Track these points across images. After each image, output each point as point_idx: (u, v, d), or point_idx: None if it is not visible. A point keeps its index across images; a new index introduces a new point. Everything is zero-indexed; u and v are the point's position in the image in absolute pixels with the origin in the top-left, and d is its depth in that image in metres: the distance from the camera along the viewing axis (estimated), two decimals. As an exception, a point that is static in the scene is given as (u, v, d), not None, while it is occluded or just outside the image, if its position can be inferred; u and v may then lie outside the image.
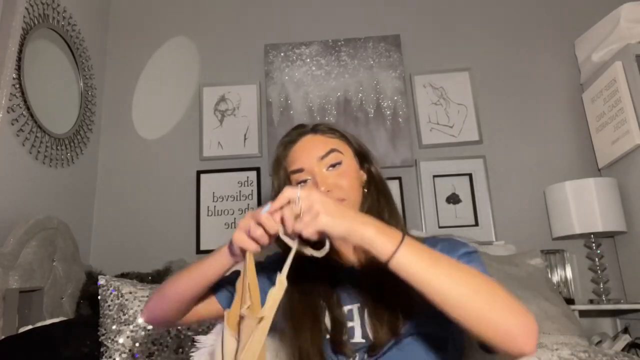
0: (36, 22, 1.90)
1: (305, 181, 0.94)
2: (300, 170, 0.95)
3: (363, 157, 1.02)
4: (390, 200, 1.00)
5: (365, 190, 1.00)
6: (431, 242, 0.91)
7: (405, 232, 0.74)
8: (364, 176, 1.01)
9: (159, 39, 2.60)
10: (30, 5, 1.86)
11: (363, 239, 0.69)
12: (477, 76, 2.47)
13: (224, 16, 2.61)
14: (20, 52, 1.77)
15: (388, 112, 2.42)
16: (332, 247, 0.99)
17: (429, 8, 2.61)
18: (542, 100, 2.43)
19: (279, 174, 1.00)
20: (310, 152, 0.95)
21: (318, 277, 0.94)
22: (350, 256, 0.98)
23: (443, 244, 0.90)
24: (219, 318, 0.95)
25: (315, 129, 1.00)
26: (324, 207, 0.70)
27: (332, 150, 0.95)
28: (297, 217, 0.71)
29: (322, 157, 0.94)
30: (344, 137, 1.01)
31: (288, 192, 0.72)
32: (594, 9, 2.40)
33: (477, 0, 2.60)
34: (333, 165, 0.94)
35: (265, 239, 0.74)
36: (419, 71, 2.51)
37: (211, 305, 0.94)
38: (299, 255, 0.75)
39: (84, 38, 2.31)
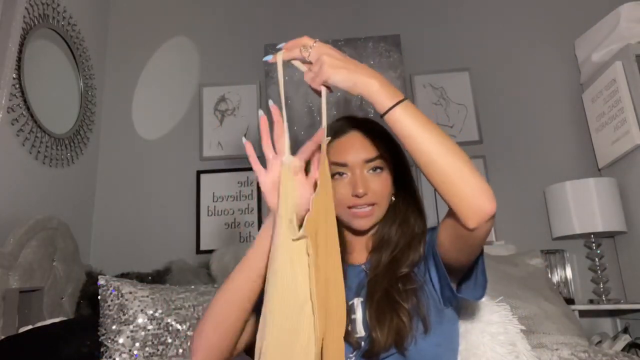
0: (36, 22, 1.90)
1: (341, 174, 0.96)
2: (343, 165, 0.95)
3: (400, 166, 1.01)
4: (422, 213, 1.00)
5: (393, 199, 1.00)
6: None
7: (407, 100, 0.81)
8: (392, 187, 1.01)
9: (159, 39, 2.60)
10: (30, 5, 1.86)
11: (367, 90, 0.74)
12: (477, 76, 2.47)
13: (224, 16, 2.61)
14: (20, 52, 1.77)
15: (388, 112, 2.42)
16: (343, 244, 1.01)
17: (429, 8, 2.61)
18: (542, 100, 2.43)
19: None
20: (358, 152, 0.96)
21: None
22: (360, 255, 1.00)
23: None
24: None
25: (366, 126, 0.99)
26: (330, 59, 0.74)
27: (379, 157, 0.96)
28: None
29: (368, 161, 0.95)
30: (390, 142, 1.00)
31: (306, 39, 0.77)
32: (594, 9, 2.40)
33: (477, 0, 2.60)
34: (374, 169, 0.95)
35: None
36: (419, 71, 2.51)
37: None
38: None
39: (84, 38, 2.31)
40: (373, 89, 0.73)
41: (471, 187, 0.73)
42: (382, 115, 0.74)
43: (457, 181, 0.73)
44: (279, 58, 0.79)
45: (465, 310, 1.03)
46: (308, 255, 0.71)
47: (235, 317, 0.82)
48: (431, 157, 0.73)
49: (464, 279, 0.88)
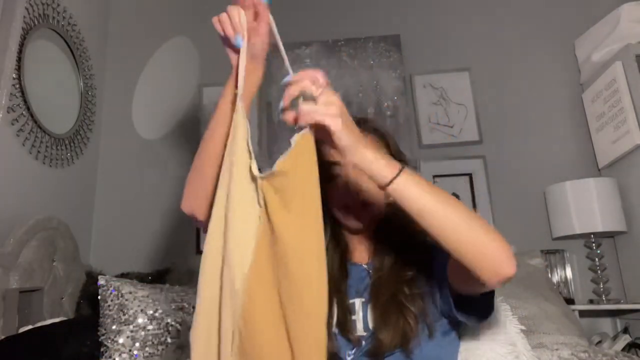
0: (36, 22, 1.90)
1: (336, 175, 0.96)
2: (336, 163, 0.96)
3: None
4: None
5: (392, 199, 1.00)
6: None
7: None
8: None
9: (159, 39, 2.60)
10: (30, 5, 1.86)
11: (364, 159, 0.68)
12: (477, 76, 2.47)
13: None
14: (20, 52, 1.77)
15: (388, 112, 2.42)
16: (345, 244, 1.01)
17: (429, 8, 2.61)
18: (542, 100, 2.43)
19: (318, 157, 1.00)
20: None
21: (330, 268, 0.95)
22: (362, 254, 1.01)
23: None
24: None
25: (364, 126, 0.98)
26: (342, 112, 0.67)
27: None
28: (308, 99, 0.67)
29: None
30: (385, 141, 1.01)
31: (319, 75, 0.69)
32: (594, 9, 2.39)
33: (477, 0, 2.60)
34: None
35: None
36: (419, 71, 2.50)
37: None
38: None
39: (84, 38, 2.31)
40: (372, 156, 0.68)
41: (491, 254, 0.68)
42: (385, 187, 0.68)
43: (476, 249, 0.68)
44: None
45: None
46: (259, 206, 0.65)
47: (215, 167, 0.81)
48: (447, 228, 0.68)
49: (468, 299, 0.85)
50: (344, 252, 1.00)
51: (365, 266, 0.99)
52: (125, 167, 2.44)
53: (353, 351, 0.88)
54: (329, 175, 0.97)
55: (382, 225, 1.00)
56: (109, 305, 1.41)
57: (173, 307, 1.44)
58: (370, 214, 0.96)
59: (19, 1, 1.74)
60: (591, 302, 2.07)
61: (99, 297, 1.44)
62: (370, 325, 0.89)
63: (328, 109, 0.66)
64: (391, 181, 0.67)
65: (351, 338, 0.89)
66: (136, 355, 1.36)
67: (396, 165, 0.68)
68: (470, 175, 2.33)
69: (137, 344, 1.37)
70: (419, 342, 0.84)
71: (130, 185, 2.42)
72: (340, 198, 0.95)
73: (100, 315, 1.42)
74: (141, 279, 1.79)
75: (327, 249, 1.00)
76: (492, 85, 2.46)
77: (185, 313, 1.45)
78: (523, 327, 1.23)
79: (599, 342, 1.97)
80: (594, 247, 2.10)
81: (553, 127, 2.39)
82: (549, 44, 2.49)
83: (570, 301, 2.02)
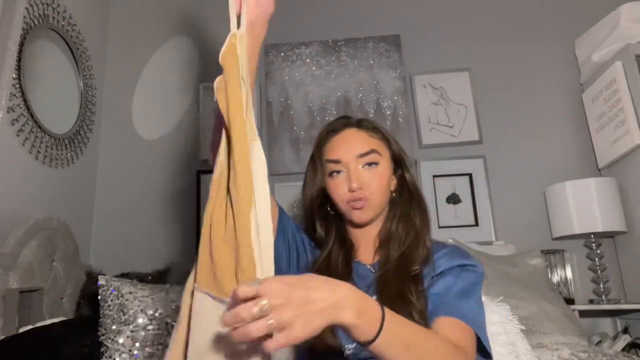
0: (36, 22, 1.90)
1: (338, 172, 0.97)
2: (336, 162, 0.98)
3: (398, 162, 1.03)
4: (422, 206, 1.01)
5: (394, 195, 1.02)
6: (437, 246, 0.97)
7: (383, 309, 0.67)
8: (394, 181, 1.03)
9: (159, 39, 2.60)
10: (30, 5, 1.86)
11: (342, 324, 0.62)
12: (477, 76, 2.47)
13: (224, 16, 2.60)
14: (20, 52, 1.77)
15: (388, 112, 2.42)
16: (350, 242, 1.04)
17: (429, 8, 2.61)
18: (542, 101, 2.43)
19: (319, 157, 1.02)
20: (350, 147, 0.98)
21: (335, 263, 0.98)
22: (366, 253, 1.02)
23: (445, 250, 0.96)
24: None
25: (360, 124, 1.02)
26: (289, 304, 0.57)
27: (372, 151, 0.98)
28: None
29: (362, 155, 0.97)
30: (385, 138, 1.03)
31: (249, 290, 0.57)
32: (594, 9, 2.40)
33: (477, 0, 2.60)
34: (369, 164, 0.97)
35: None
36: (419, 71, 2.50)
37: None
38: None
39: (84, 38, 2.31)
40: (351, 320, 0.61)
41: None
42: (366, 345, 0.65)
43: None
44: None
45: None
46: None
47: None
48: None
49: None
50: (349, 250, 1.01)
51: (369, 267, 1.00)
52: (125, 167, 2.44)
53: (353, 345, 0.89)
54: (330, 170, 0.98)
55: (384, 222, 1.01)
56: (109, 305, 1.41)
57: (173, 307, 1.44)
58: (373, 205, 0.97)
59: (19, 1, 1.74)
60: (591, 302, 2.07)
61: (99, 297, 1.44)
62: None
63: (288, 329, 0.56)
64: (373, 339, 0.64)
65: None
66: (136, 355, 1.36)
67: (376, 321, 0.64)
68: (470, 175, 2.33)
69: (137, 344, 1.37)
70: None
71: (130, 185, 2.42)
72: (342, 191, 0.96)
73: (100, 315, 1.42)
74: (141, 279, 1.79)
75: (332, 247, 1.02)
76: (492, 85, 2.46)
77: (185, 313, 1.45)
78: (523, 327, 1.23)
79: (599, 342, 1.97)
80: (594, 247, 2.10)
81: (553, 127, 2.40)
82: (549, 44, 2.49)
83: (570, 301, 2.02)
